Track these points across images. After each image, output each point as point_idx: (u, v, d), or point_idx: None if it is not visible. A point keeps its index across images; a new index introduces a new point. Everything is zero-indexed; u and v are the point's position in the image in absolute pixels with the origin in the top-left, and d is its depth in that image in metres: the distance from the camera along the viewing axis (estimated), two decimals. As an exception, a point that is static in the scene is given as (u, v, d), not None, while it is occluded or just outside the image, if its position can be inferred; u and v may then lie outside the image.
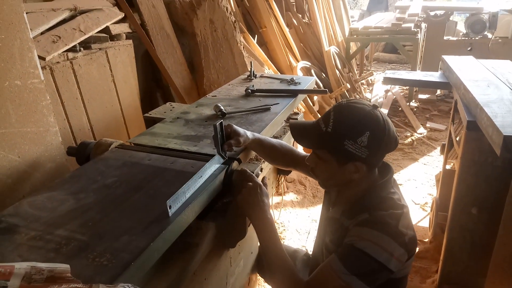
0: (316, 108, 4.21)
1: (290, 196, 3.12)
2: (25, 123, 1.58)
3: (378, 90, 5.93)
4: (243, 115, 1.91)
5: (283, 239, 2.60)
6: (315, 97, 4.38)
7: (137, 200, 1.17)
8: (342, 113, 1.19)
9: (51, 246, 0.96)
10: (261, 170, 1.42)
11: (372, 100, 5.57)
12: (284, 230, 2.68)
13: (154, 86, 2.87)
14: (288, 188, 3.17)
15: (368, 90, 6.48)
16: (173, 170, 1.35)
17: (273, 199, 2.68)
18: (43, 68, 1.79)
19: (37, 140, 1.64)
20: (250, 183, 1.30)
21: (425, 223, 2.87)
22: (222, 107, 1.90)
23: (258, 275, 1.92)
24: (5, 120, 1.50)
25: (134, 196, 1.19)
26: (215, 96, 2.23)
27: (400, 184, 3.51)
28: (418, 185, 3.49)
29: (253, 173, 1.37)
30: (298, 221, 2.81)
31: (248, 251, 1.74)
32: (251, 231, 1.66)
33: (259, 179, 1.40)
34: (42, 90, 1.65)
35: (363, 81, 6.58)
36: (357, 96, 5.33)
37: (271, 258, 1.25)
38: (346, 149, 1.16)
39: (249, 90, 2.22)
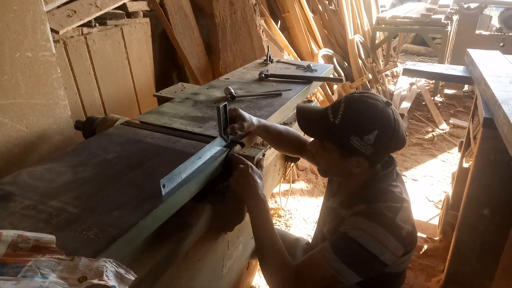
0: (335, 97, 4.13)
1: (300, 185, 3.09)
2: (34, 95, 1.60)
3: (402, 82, 5.76)
4: (253, 99, 1.88)
5: (289, 226, 2.58)
6: (335, 86, 4.29)
7: (134, 177, 1.17)
8: (353, 106, 1.14)
9: (42, 216, 0.97)
10: (263, 156, 1.40)
11: (395, 93, 5.42)
12: (290, 217, 2.66)
13: (170, 66, 2.86)
14: (299, 176, 3.13)
15: (392, 82, 6.31)
16: (173, 150, 1.34)
17: (281, 186, 2.65)
18: (56, 41, 1.80)
19: (46, 112, 1.66)
20: (241, 165, 1.28)
21: (437, 221, 2.79)
22: (232, 90, 1.87)
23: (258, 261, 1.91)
24: (14, 91, 1.52)
25: (132, 172, 1.19)
26: (228, 79, 2.21)
27: (415, 180, 3.43)
28: (434, 182, 3.40)
29: (254, 158, 1.34)
30: (306, 210, 2.79)
31: (248, 236, 1.73)
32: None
33: (256, 162, 1.38)
34: (53, 63, 1.66)
35: (388, 73, 6.41)
36: (379, 87, 5.20)
37: (261, 238, 1.23)
38: (351, 144, 1.13)
39: (263, 75, 2.18)
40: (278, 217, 2.64)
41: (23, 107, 1.56)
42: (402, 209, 1.14)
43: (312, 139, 1.33)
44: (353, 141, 1.12)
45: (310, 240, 1.76)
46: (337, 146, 1.17)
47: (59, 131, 1.72)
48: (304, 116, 1.27)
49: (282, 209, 2.71)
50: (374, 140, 1.11)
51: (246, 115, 1.42)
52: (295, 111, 2.16)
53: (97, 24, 2.02)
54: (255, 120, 1.44)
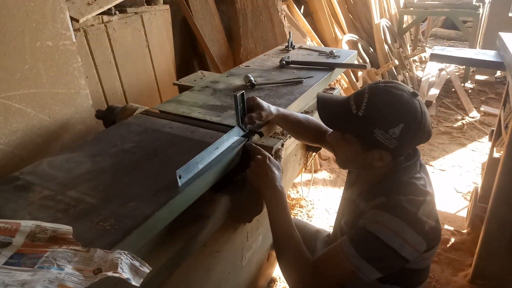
0: (359, 84, 4.02)
1: (323, 174, 3.04)
2: (56, 84, 1.61)
3: (431, 68, 5.55)
4: (273, 87, 1.84)
5: (311, 217, 2.55)
6: (360, 73, 4.18)
7: (151, 167, 1.16)
8: (378, 97, 1.09)
9: (60, 207, 0.98)
10: (282, 146, 1.36)
11: (423, 79, 5.24)
12: (312, 208, 2.62)
13: (191, 53, 2.84)
14: (321, 165, 3.08)
15: (420, 68, 6.10)
16: (191, 140, 1.33)
17: (303, 176, 2.61)
18: (77, 30, 1.80)
19: (68, 101, 1.67)
20: (259, 156, 1.25)
21: (465, 213, 2.70)
22: (252, 78, 1.84)
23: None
24: (36, 80, 1.53)
25: (149, 163, 1.18)
26: (248, 66, 2.17)
27: (443, 170, 3.31)
28: (463, 173, 3.28)
29: (272, 148, 1.31)
30: (328, 200, 2.74)
31: (267, 227, 1.69)
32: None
33: (274, 152, 1.34)
34: (73, 52, 1.66)
35: (416, 58, 6.19)
36: (406, 74, 5.03)
37: (278, 231, 1.21)
38: (375, 138, 1.08)
39: (284, 62, 2.13)
40: (300, 207, 2.61)
41: (45, 96, 1.58)
42: (425, 202, 1.09)
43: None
44: (377, 134, 1.07)
45: (330, 232, 1.73)
46: (359, 138, 1.12)
47: (81, 121, 1.74)
48: (325, 106, 1.22)
49: (304, 199, 2.68)
50: (399, 134, 1.06)
51: (265, 103, 1.38)
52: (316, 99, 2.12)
53: (117, 12, 2.02)
54: (273, 109, 1.40)
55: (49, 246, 0.85)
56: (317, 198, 2.75)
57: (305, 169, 2.08)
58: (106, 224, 0.92)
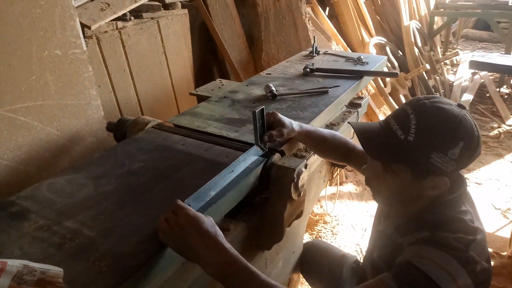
0: (387, 90, 3.82)
1: (349, 187, 2.86)
2: (65, 95, 1.52)
3: (463, 72, 5.27)
4: (296, 97, 1.70)
5: (335, 234, 2.38)
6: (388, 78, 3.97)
7: (158, 192, 1.05)
8: (428, 117, 0.94)
9: (55, 240, 0.88)
10: (306, 167, 1.21)
11: (455, 84, 4.97)
12: (337, 224, 2.46)
13: (211, 60, 2.73)
14: (347, 177, 2.91)
15: (452, 72, 5.81)
16: (205, 159, 1.21)
17: (328, 189, 2.46)
18: (89, 37, 1.72)
19: (78, 113, 1.58)
20: (164, 217, 0.86)
21: (505, 233, 2.47)
22: (273, 88, 1.70)
23: (300, 275, 1.75)
24: (43, 92, 1.45)
25: (157, 187, 1.07)
26: (270, 74, 2.03)
27: (479, 183, 3.08)
28: (501, 187, 3.04)
29: (295, 170, 1.16)
30: (354, 215, 2.57)
31: (289, 250, 1.57)
32: (293, 227, 1.48)
33: (303, 178, 1.18)
34: (84, 61, 1.58)
35: (447, 61, 5.91)
36: (438, 78, 4.78)
37: None
38: (431, 163, 0.93)
39: (308, 69, 1.99)
40: (324, 223, 2.45)
41: (53, 108, 1.49)
42: (476, 242, 0.93)
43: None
44: (435, 159, 0.92)
45: (357, 259, 1.57)
46: (411, 167, 0.96)
47: (91, 133, 1.65)
48: (367, 137, 1.04)
49: (329, 214, 2.52)
50: (459, 154, 0.92)
51: (286, 120, 1.24)
52: (344, 109, 1.97)
53: (132, 18, 1.92)
54: (296, 125, 1.26)
55: (36, 292, 0.74)
56: (343, 213, 2.58)
57: (330, 184, 1.93)
58: (102, 264, 0.81)
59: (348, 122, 1.08)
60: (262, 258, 1.37)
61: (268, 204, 1.23)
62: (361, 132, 1.04)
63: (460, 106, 0.97)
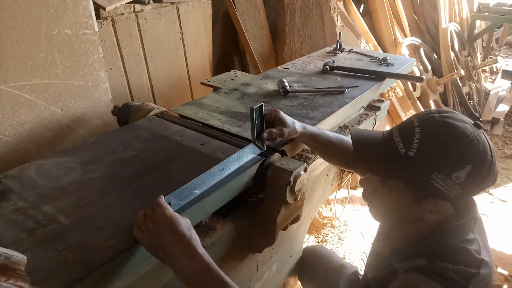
0: (417, 94, 3.65)
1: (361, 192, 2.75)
2: (72, 76, 1.51)
3: (501, 81, 4.98)
4: (310, 95, 1.62)
5: (342, 240, 2.29)
6: (418, 81, 3.79)
7: (144, 185, 1.01)
8: (434, 132, 0.85)
9: (28, 225, 0.85)
10: (305, 170, 1.14)
11: (491, 92, 4.71)
12: (345, 230, 2.36)
13: (232, 50, 2.67)
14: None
15: (490, 80, 5.51)
16: (200, 153, 1.16)
17: (338, 193, 2.37)
18: (104, 19, 1.69)
19: (84, 94, 1.57)
20: (141, 213, 0.82)
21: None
22: (286, 83, 1.63)
23: (297, 279, 1.69)
24: (50, 71, 1.44)
25: (144, 178, 1.03)
26: (287, 68, 1.96)
27: (504, 201, 2.89)
28: (529, 205, 2.85)
29: (292, 172, 1.09)
30: (365, 222, 2.47)
31: (285, 254, 1.51)
32: (291, 231, 1.42)
33: (301, 182, 1.11)
34: (94, 42, 1.55)
35: (486, 68, 5.60)
36: (473, 85, 4.53)
37: None
38: (432, 184, 0.83)
39: (327, 66, 1.90)
40: (331, 227, 2.37)
41: (59, 88, 1.48)
42: (479, 276, 0.83)
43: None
44: (436, 180, 0.83)
45: (357, 270, 1.49)
46: (409, 186, 0.87)
47: (97, 116, 1.63)
48: (362, 145, 0.96)
49: (337, 219, 2.43)
50: (464, 179, 0.81)
51: (289, 119, 1.17)
52: (362, 111, 1.87)
53: (151, 1, 1.89)
54: (299, 126, 1.19)
55: (-5, 278, 0.72)
56: (353, 218, 2.48)
57: (339, 189, 1.84)
58: (69, 255, 0.78)
59: (348, 128, 0.99)
60: (253, 261, 1.32)
61: (261, 206, 1.17)
62: (359, 141, 0.96)
63: (476, 125, 0.86)
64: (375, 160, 0.92)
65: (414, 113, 3.52)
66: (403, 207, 0.91)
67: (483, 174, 0.83)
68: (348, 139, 1.32)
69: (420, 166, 0.84)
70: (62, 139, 1.53)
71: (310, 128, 1.23)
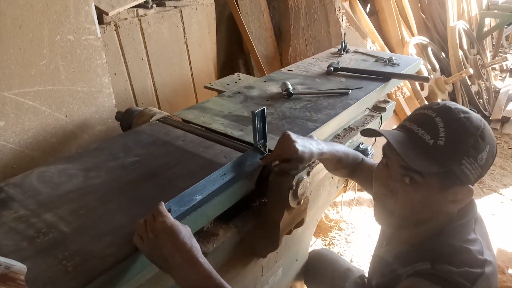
0: (424, 94, 3.61)
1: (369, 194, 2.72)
2: (75, 82, 1.51)
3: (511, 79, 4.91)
4: (313, 97, 1.61)
5: (349, 243, 2.27)
6: (426, 80, 3.75)
7: (145, 191, 1.00)
8: (456, 119, 0.85)
9: (29, 233, 0.85)
10: (308, 174, 1.13)
11: (501, 91, 4.64)
12: (353, 232, 2.34)
13: (236, 52, 2.66)
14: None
15: (500, 78, 5.43)
16: (202, 158, 1.15)
17: (345, 195, 2.34)
18: (107, 24, 1.70)
19: (88, 100, 1.57)
20: (141, 221, 0.81)
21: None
22: (289, 86, 1.62)
23: (303, 283, 1.67)
24: (53, 77, 1.44)
25: (145, 184, 1.03)
26: (291, 70, 1.94)
27: (515, 201, 2.84)
28: (541, 206, 2.79)
29: (295, 177, 1.08)
30: (372, 224, 2.44)
31: (290, 258, 1.49)
32: (296, 235, 1.40)
33: (304, 186, 1.09)
34: (97, 48, 1.56)
35: (496, 66, 5.53)
36: (482, 84, 4.47)
37: None
38: (462, 170, 0.84)
39: (331, 68, 1.88)
40: (338, 230, 2.34)
41: (62, 94, 1.48)
42: (483, 276, 0.82)
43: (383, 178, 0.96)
44: (465, 165, 0.84)
45: (363, 274, 1.47)
46: (440, 175, 0.85)
47: (101, 121, 1.63)
48: (401, 145, 0.88)
49: (344, 221, 2.40)
50: (485, 159, 0.86)
51: (306, 152, 1.05)
52: (367, 112, 1.84)
53: (154, 5, 1.89)
54: (316, 151, 1.09)
55: (-5, 288, 0.72)
56: (360, 220, 2.46)
57: (344, 191, 1.82)
58: (69, 263, 0.78)
59: (378, 131, 0.95)
60: (258, 265, 1.31)
61: (264, 211, 1.16)
62: (396, 142, 0.89)
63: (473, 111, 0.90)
64: (413, 155, 0.86)
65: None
66: (429, 202, 0.88)
67: (494, 152, 0.87)
68: (351, 151, 1.28)
69: (452, 153, 0.84)
70: (66, 145, 1.53)
71: (326, 149, 1.14)
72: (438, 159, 0.84)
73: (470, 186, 0.87)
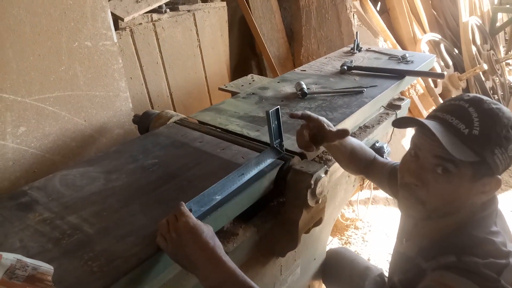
0: (438, 90, 3.57)
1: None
2: (93, 87, 1.54)
3: (528, 73, 4.82)
4: (328, 97, 1.61)
5: (366, 241, 2.25)
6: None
7: (165, 191, 1.02)
8: (488, 109, 0.86)
9: (54, 235, 0.87)
10: (326, 173, 1.13)
11: (517, 86, 4.56)
12: (369, 231, 2.32)
13: (249, 54, 2.68)
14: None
15: (515, 73, 5.34)
16: (220, 159, 1.16)
17: (361, 194, 2.33)
18: (123, 29, 1.73)
19: (106, 104, 1.60)
20: (164, 221, 0.82)
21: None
22: (304, 86, 1.62)
23: (322, 282, 1.67)
24: (72, 82, 1.47)
25: (165, 185, 1.04)
26: (304, 70, 1.95)
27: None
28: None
29: (313, 176, 1.08)
30: (389, 222, 2.42)
31: (308, 257, 1.49)
32: (314, 234, 1.40)
33: (323, 185, 1.10)
34: (114, 53, 1.58)
35: (509, 61, 5.43)
36: (497, 79, 4.40)
37: None
38: (494, 160, 0.85)
39: (345, 67, 1.88)
40: (355, 229, 2.33)
41: (81, 99, 1.51)
42: (509, 267, 0.81)
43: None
44: (497, 155, 0.85)
45: (382, 272, 1.47)
46: (474, 164, 0.85)
47: (119, 125, 1.66)
48: (444, 133, 0.87)
49: (361, 220, 2.39)
50: None
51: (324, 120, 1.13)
52: (382, 110, 1.83)
53: (168, 10, 1.91)
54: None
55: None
56: (376, 219, 2.44)
57: (361, 190, 1.82)
58: (94, 264, 0.79)
59: (417, 119, 0.93)
60: (276, 265, 1.31)
61: (283, 210, 1.16)
62: (436, 130, 0.87)
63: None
64: (451, 143, 0.85)
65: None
66: (461, 193, 0.88)
67: None
68: (366, 147, 1.29)
69: (486, 142, 0.84)
70: (85, 149, 1.56)
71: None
72: (474, 148, 0.84)
73: (499, 176, 0.87)
